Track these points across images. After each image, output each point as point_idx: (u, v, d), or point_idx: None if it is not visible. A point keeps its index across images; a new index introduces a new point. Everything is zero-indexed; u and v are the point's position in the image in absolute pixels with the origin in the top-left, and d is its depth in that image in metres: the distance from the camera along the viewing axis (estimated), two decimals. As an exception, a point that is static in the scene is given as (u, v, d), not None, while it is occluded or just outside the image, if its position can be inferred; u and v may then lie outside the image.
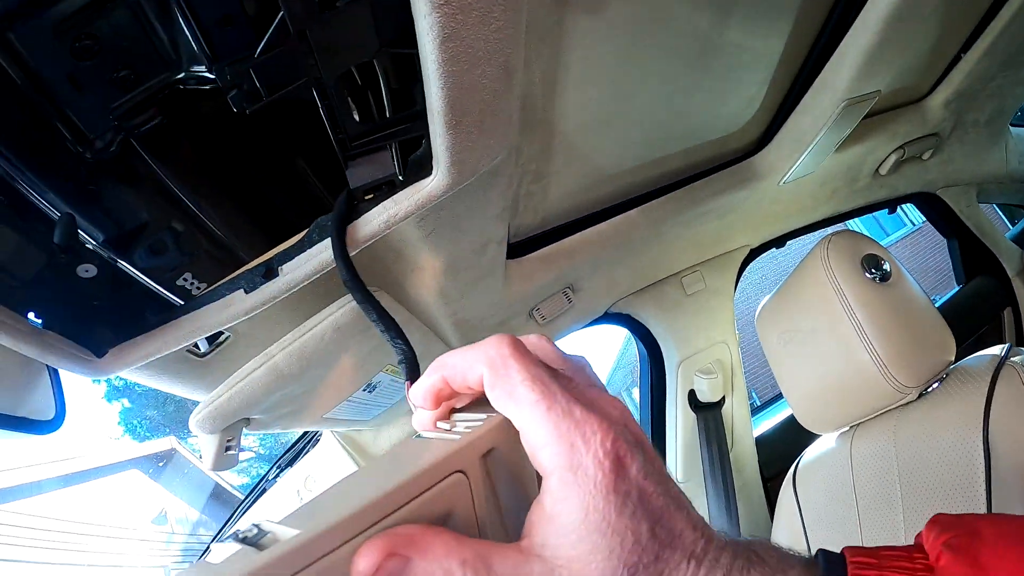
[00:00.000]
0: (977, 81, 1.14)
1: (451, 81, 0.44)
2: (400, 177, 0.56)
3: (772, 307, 0.99)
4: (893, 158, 1.27)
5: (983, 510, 0.69)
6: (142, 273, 0.57)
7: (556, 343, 0.33)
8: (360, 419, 0.95)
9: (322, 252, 0.55)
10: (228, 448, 0.66)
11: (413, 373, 0.44)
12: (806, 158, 1.03)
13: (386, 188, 0.56)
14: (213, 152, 0.60)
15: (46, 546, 5.51)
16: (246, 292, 0.56)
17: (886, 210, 1.62)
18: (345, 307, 0.62)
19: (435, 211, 0.62)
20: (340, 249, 0.53)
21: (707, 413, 1.26)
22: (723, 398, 1.27)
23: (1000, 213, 4.09)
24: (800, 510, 0.98)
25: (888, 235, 10.06)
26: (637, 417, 1.44)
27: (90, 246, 0.54)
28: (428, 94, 0.47)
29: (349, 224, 0.55)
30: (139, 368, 0.61)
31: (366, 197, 0.57)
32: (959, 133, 1.35)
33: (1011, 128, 1.45)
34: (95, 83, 0.45)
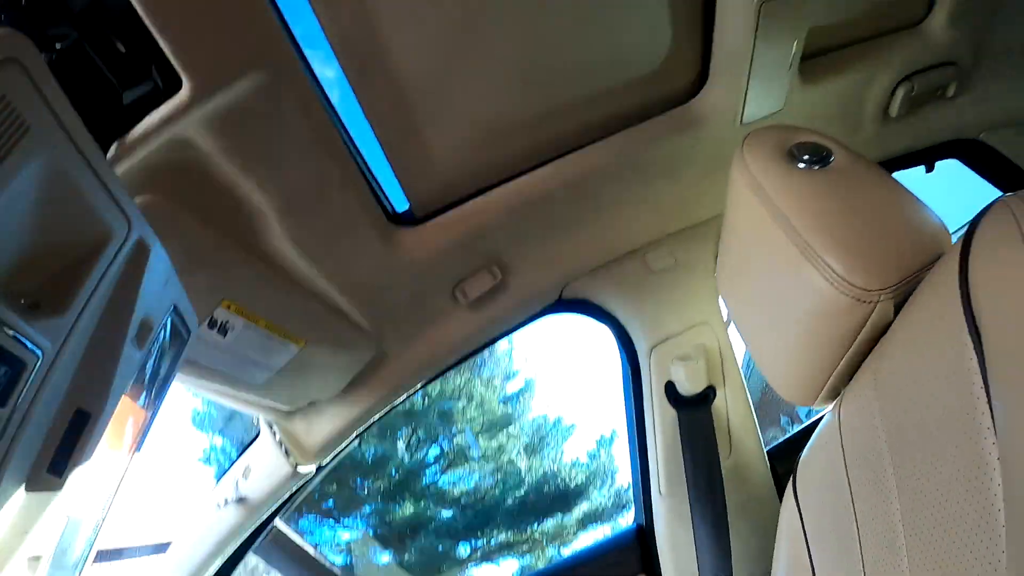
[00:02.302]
0: None
1: None
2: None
3: (721, 261, 0.81)
4: (900, 94, 1.06)
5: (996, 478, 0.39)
6: None
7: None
8: (251, 383, 0.86)
9: None
10: None
11: None
12: (755, 89, 0.86)
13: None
14: None
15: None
16: None
17: (924, 171, 1.37)
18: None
19: (231, 134, 0.61)
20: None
21: (689, 410, 1.06)
22: (710, 391, 1.08)
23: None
24: (802, 520, 0.75)
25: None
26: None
27: None
28: None
29: (118, 138, 0.57)
30: None
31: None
32: (991, 63, 1.11)
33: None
34: None
